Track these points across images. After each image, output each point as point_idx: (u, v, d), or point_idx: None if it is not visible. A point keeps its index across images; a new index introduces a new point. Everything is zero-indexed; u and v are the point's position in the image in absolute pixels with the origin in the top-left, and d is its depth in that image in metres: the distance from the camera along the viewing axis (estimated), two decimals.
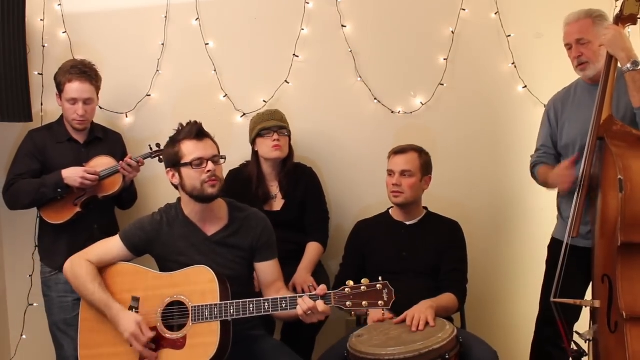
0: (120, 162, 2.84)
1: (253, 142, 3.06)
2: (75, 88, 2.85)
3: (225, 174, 2.56)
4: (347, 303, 2.17)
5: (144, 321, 2.29)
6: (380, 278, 2.19)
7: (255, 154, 3.06)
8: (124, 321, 2.29)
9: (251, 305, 2.25)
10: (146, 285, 2.37)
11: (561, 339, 2.50)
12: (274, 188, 3.07)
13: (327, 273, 3.05)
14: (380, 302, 2.15)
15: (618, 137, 2.39)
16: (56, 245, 2.90)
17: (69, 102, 2.86)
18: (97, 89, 2.95)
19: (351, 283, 2.19)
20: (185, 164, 2.36)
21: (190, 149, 2.36)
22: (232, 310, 2.25)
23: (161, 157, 2.88)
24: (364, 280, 2.20)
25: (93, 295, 2.35)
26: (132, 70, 3.37)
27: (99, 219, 2.94)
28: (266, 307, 2.24)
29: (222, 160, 2.42)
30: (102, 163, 2.86)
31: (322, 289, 2.22)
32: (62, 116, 2.97)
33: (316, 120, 3.31)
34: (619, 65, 2.44)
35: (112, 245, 2.45)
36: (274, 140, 2.97)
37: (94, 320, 2.38)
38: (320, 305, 2.18)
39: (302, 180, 3.08)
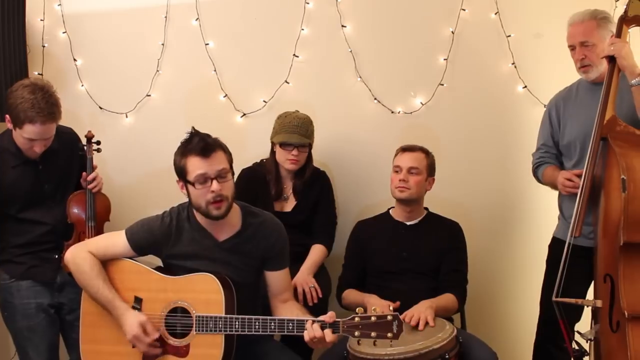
0: (87, 187, 2.74)
1: (273, 143, 3.02)
2: (37, 131, 2.52)
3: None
4: (356, 332, 2.11)
5: (149, 321, 2.27)
6: (391, 308, 2.14)
7: (273, 153, 3.03)
8: (127, 322, 2.27)
9: (257, 323, 2.21)
10: (149, 286, 2.35)
11: (562, 339, 2.50)
12: (287, 189, 3.05)
13: (329, 274, 3.04)
14: (389, 334, 2.08)
15: (621, 138, 2.40)
16: (16, 255, 2.72)
17: (26, 139, 2.54)
18: (59, 119, 2.61)
19: (361, 310, 2.13)
20: (190, 182, 2.28)
21: (194, 166, 2.25)
22: (237, 325, 2.22)
23: (98, 149, 2.84)
24: (375, 309, 2.12)
25: (97, 292, 2.32)
26: (132, 70, 3.37)
27: (63, 234, 2.76)
28: (272, 327, 2.21)
29: (230, 174, 2.30)
30: (80, 202, 2.74)
31: (330, 316, 2.15)
32: (11, 133, 2.62)
33: (316, 120, 3.29)
34: (628, 79, 2.46)
35: (116, 242, 2.40)
36: (292, 154, 2.93)
37: (96, 314, 2.37)
38: (328, 335, 2.13)
39: (316, 184, 3.06)
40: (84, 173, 2.77)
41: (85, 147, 2.82)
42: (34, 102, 2.48)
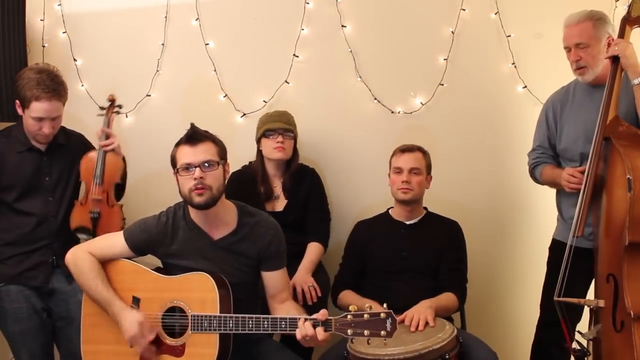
0: (100, 145, 2.76)
1: (258, 141, 3.06)
2: (44, 108, 2.58)
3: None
4: (349, 331, 2.07)
5: (146, 321, 2.28)
6: (385, 306, 2.09)
7: (259, 152, 3.07)
8: (125, 321, 2.27)
9: (250, 322, 2.21)
10: (146, 286, 2.35)
11: (563, 339, 2.49)
12: (277, 188, 3.07)
13: (327, 273, 3.04)
14: (382, 332, 2.04)
15: (625, 138, 2.40)
16: (6, 257, 2.70)
17: (35, 119, 2.60)
18: (65, 101, 2.70)
19: (355, 308, 2.10)
20: (178, 170, 2.34)
21: (181, 154, 2.32)
22: (231, 324, 2.22)
23: (117, 110, 2.92)
24: (369, 306, 2.10)
25: (96, 291, 2.33)
26: (132, 70, 3.37)
27: (58, 232, 2.74)
28: (265, 326, 2.20)
29: (217, 166, 2.32)
30: (91, 160, 2.77)
31: (323, 314, 2.13)
32: (21, 122, 2.71)
33: (316, 120, 3.30)
34: (630, 78, 2.46)
35: (115, 243, 2.42)
36: (278, 142, 2.97)
37: (97, 315, 2.37)
38: (320, 333, 2.10)
39: (304, 181, 3.08)
40: (99, 129, 2.81)
41: (105, 108, 2.88)
42: (39, 81, 2.57)
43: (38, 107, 2.59)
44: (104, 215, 2.75)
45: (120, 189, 2.89)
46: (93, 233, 2.72)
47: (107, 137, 2.80)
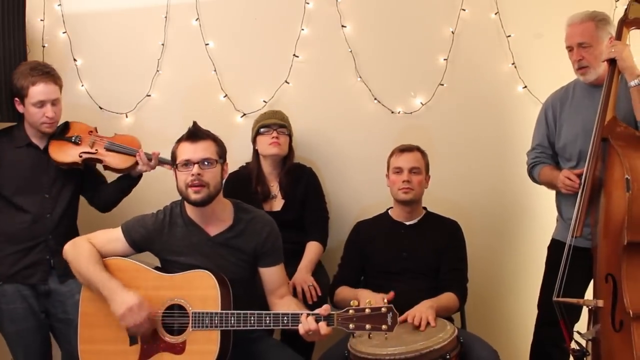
0: (140, 149, 2.79)
1: (254, 141, 3.08)
2: (41, 90, 2.67)
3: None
4: (350, 325, 2.11)
5: (142, 303, 2.25)
6: (385, 300, 2.14)
7: (255, 152, 3.08)
8: (120, 297, 2.24)
9: (252, 318, 2.22)
10: (146, 284, 2.35)
11: (562, 339, 2.50)
12: (274, 187, 3.08)
13: (327, 273, 3.04)
14: (383, 327, 2.08)
15: (622, 138, 2.41)
16: (5, 255, 2.71)
17: (36, 105, 2.67)
18: (61, 88, 2.78)
19: (356, 303, 2.13)
20: (177, 166, 2.37)
21: (181, 151, 2.36)
22: (232, 321, 2.23)
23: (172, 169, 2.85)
24: (370, 302, 2.13)
25: (94, 273, 2.31)
26: (132, 70, 3.36)
27: (55, 230, 2.75)
28: (267, 322, 2.22)
29: (215, 164, 2.36)
30: (125, 140, 2.84)
31: (325, 309, 2.16)
32: (23, 121, 2.78)
33: (316, 120, 3.31)
34: (627, 80, 2.47)
35: (114, 237, 2.43)
36: (273, 137, 3.00)
37: (95, 314, 2.37)
38: (323, 327, 2.13)
39: (301, 180, 3.09)
40: (158, 153, 2.80)
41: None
42: (32, 67, 2.70)
43: (36, 91, 2.67)
44: (69, 150, 2.77)
45: (93, 173, 2.89)
46: (57, 135, 2.78)
47: (150, 160, 2.79)
